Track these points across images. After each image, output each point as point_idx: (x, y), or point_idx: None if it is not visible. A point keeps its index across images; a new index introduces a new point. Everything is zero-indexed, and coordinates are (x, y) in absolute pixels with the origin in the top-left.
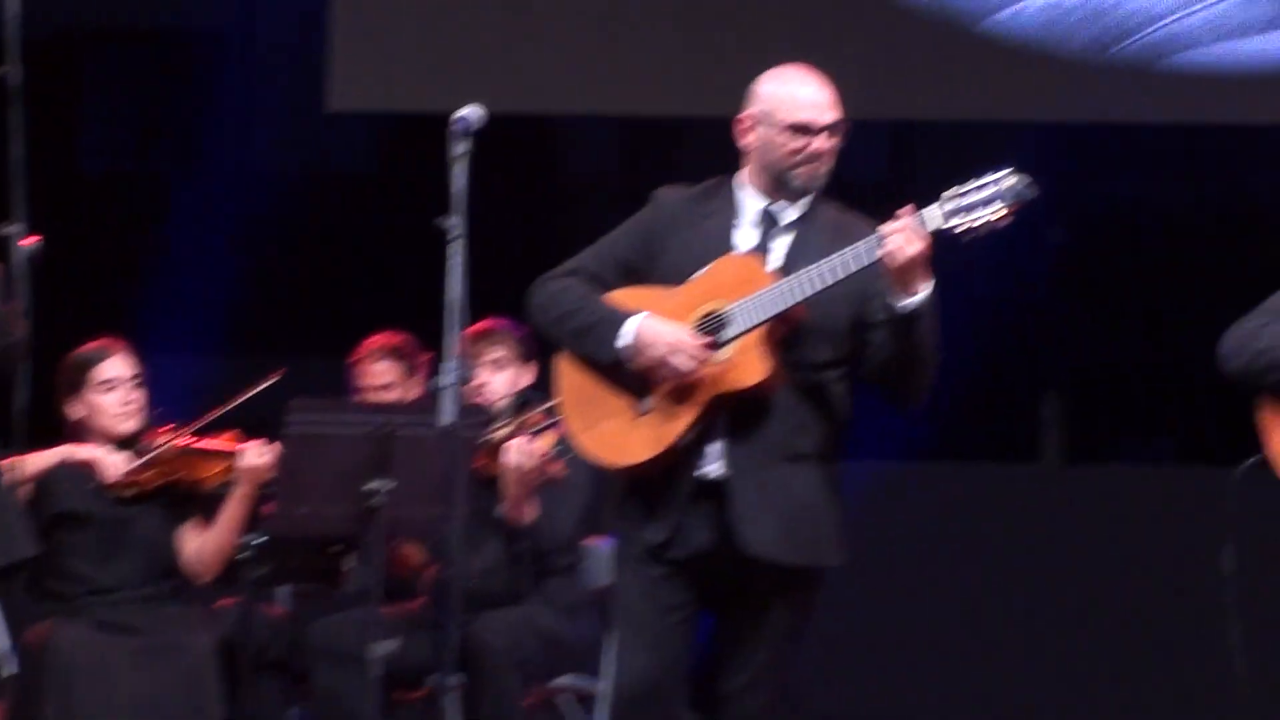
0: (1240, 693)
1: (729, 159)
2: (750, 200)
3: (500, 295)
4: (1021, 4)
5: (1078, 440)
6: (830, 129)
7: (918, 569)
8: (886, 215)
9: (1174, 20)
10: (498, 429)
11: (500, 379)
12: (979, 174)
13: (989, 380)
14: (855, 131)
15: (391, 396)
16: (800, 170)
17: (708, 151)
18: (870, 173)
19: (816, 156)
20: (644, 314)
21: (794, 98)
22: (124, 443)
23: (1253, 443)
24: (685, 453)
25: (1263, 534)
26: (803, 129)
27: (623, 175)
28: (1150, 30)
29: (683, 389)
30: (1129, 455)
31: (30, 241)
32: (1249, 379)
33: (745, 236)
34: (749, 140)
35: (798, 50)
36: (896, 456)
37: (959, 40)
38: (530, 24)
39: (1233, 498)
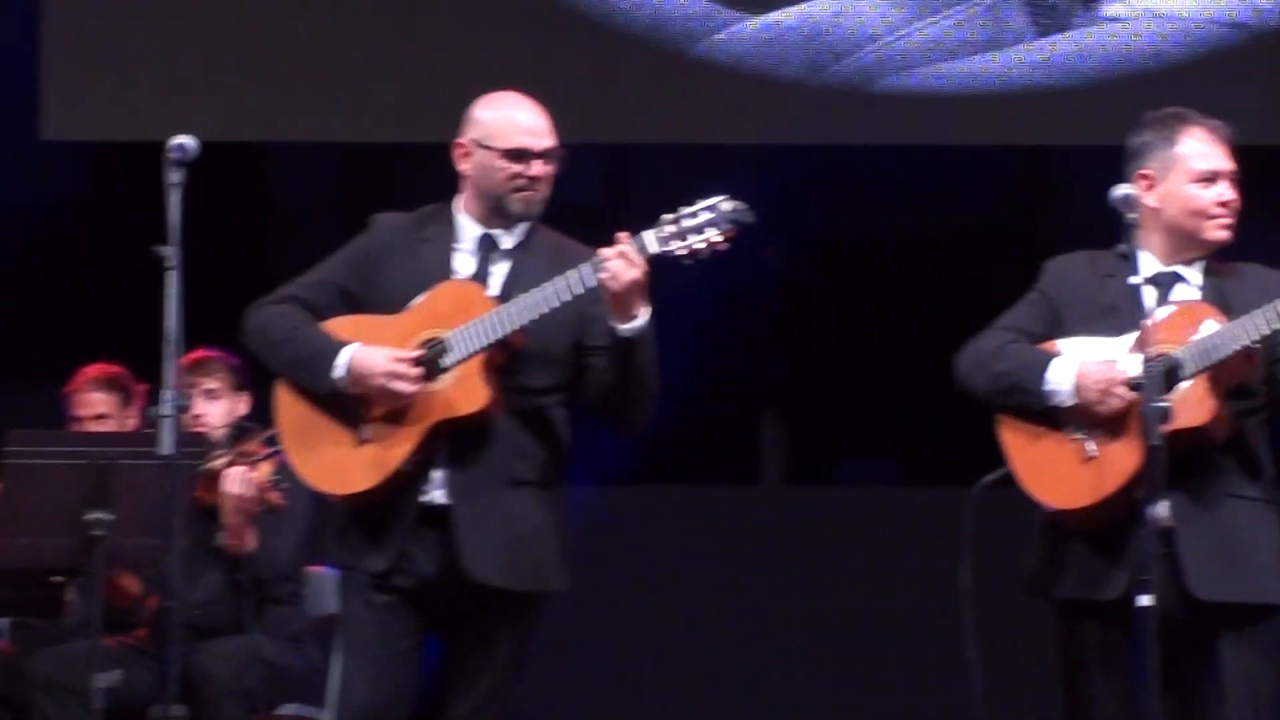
0: (977, 710)
1: (447, 185)
2: (469, 226)
3: (219, 324)
4: (737, 26)
5: (798, 462)
6: (546, 155)
7: (642, 593)
8: (604, 240)
9: (890, 42)
10: (216, 458)
11: (215, 409)
12: (695, 198)
13: (709, 402)
14: (570, 156)
15: (107, 427)
16: (517, 196)
17: (425, 178)
18: (586, 197)
19: (533, 182)
20: (356, 344)
21: (510, 123)
22: None
23: (976, 464)
24: (407, 480)
25: (998, 551)
26: (519, 154)
27: (339, 202)
28: (866, 52)
29: (403, 416)
30: (851, 476)
31: None
32: (990, 398)
33: (464, 262)
34: (466, 166)
35: (513, 75)
36: (618, 481)
37: (674, 64)
38: (243, 52)
39: (969, 515)
